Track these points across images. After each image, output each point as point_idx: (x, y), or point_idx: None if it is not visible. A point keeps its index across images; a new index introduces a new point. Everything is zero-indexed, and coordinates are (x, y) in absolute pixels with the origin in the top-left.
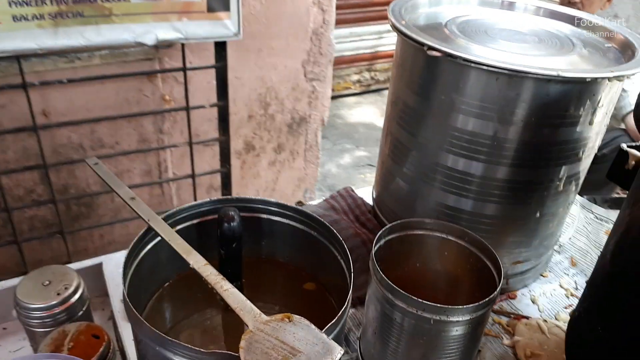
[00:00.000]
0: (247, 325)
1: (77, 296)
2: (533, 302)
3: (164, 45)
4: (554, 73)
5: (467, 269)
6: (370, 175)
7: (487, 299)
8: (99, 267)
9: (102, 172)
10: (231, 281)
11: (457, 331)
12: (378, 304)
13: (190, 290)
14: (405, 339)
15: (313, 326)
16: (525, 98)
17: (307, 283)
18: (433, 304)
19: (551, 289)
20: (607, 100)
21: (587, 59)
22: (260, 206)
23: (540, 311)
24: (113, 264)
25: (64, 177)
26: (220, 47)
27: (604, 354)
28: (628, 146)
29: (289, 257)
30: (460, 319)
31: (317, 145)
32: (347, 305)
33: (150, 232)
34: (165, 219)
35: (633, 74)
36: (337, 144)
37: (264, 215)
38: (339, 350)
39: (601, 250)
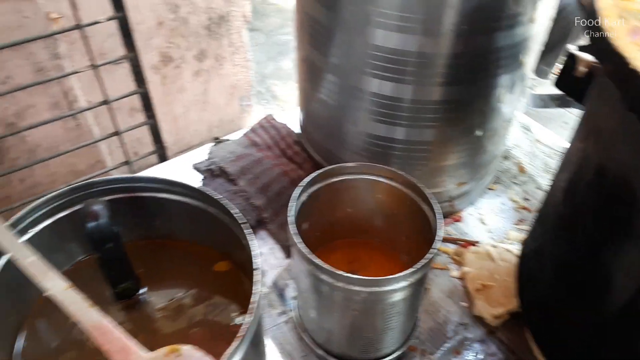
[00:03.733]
0: None
1: None
2: (481, 222)
3: None
4: None
5: (403, 211)
6: None
7: (424, 262)
8: None
9: None
10: (119, 283)
11: (394, 298)
12: (304, 276)
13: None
14: (339, 312)
15: (206, 358)
16: (454, 1)
17: (218, 263)
18: (362, 277)
19: (500, 204)
20: None
21: None
22: (137, 185)
23: (489, 232)
24: None
25: None
26: None
27: (556, 300)
28: (580, 48)
29: (192, 236)
30: (396, 287)
31: (243, 46)
32: (246, 327)
33: None
34: (16, 223)
35: None
36: (272, 36)
37: (148, 194)
38: None
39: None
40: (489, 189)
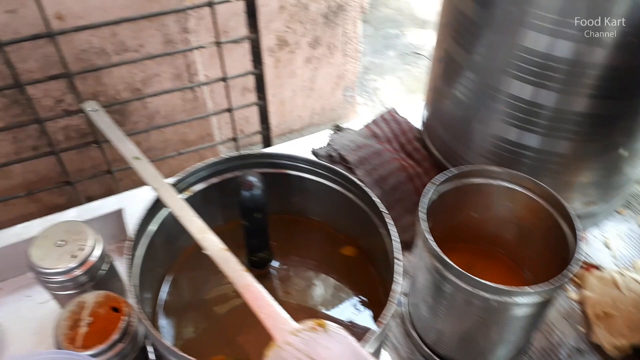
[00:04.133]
0: (273, 337)
1: (96, 255)
2: (606, 246)
3: None
4: None
5: (536, 224)
6: (417, 70)
7: (561, 278)
8: (119, 213)
9: (101, 122)
10: (256, 252)
11: (520, 312)
12: (427, 273)
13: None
14: (457, 314)
15: (350, 338)
16: (624, 9)
17: (346, 247)
18: (492, 284)
19: (628, 230)
20: None
21: None
22: (286, 162)
23: (614, 258)
24: (134, 208)
25: (91, 85)
26: None
27: None
28: None
29: (323, 217)
30: (527, 301)
31: (356, 37)
32: (389, 315)
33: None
34: (176, 183)
35: None
36: (380, 29)
37: (293, 172)
38: None
39: None
40: (617, 212)
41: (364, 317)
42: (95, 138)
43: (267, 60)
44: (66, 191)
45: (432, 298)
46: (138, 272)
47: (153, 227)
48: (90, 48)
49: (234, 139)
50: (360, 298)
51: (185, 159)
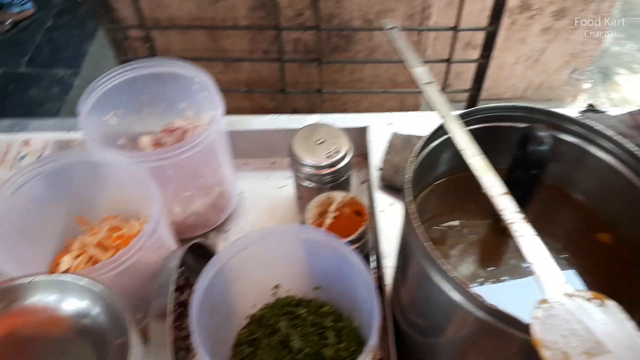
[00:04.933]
0: (545, 293)
1: (345, 161)
2: None
3: None
4: None
5: None
6: None
7: None
8: (363, 130)
9: (398, 41)
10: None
11: None
12: None
13: (466, 193)
14: None
15: (631, 323)
16: None
17: (602, 233)
18: None
19: None
20: None
21: None
22: (569, 125)
23: None
24: (378, 129)
25: (330, 6)
26: None
27: None
28: None
29: (582, 194)
30: None
31: (608, 17)
32: None
33: (441, 129)
34: (462, 116)
35: None
36: (629, 16)
37: (574, 139)
38: None
39: None
40: None
41: None
42: (318, 56)
43: (503, 20)
44: (278, 98)
45: None
46: (411, 188)
47: (426, 150)
48: None
49: (441, 90)
50: (601, 287)
51: (386, 98)
